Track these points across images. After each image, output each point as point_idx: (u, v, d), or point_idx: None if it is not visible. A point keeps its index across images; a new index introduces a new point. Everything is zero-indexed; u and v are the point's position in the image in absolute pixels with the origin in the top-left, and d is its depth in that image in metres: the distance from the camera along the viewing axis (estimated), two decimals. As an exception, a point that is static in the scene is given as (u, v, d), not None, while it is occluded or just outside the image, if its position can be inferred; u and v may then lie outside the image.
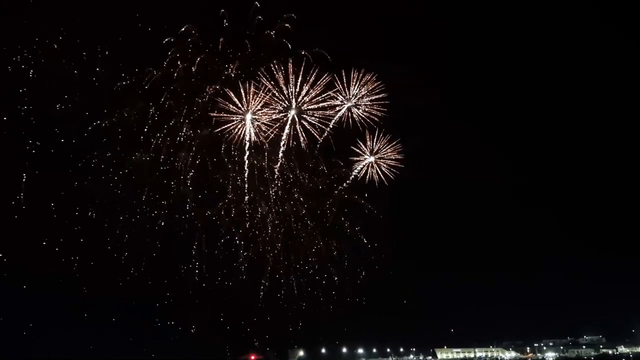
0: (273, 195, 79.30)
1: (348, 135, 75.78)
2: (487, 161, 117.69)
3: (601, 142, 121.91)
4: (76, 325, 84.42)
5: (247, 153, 72.28)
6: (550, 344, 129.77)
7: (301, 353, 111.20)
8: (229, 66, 71.03)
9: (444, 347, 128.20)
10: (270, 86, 68.50)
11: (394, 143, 77.27)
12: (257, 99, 69.14)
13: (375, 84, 72.64)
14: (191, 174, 75.20)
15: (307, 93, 70.24)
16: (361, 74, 72.07)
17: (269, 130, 72.20)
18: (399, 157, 77.58)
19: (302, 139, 73.27)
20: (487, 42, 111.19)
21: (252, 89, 68.31)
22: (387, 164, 78.22)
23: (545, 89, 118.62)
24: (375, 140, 76.80)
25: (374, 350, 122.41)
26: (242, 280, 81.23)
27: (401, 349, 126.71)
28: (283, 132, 72.54)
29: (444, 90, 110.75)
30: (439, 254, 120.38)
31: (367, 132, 75.44)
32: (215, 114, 69.60)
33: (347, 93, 72.18)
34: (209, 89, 71.03)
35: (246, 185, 75.68)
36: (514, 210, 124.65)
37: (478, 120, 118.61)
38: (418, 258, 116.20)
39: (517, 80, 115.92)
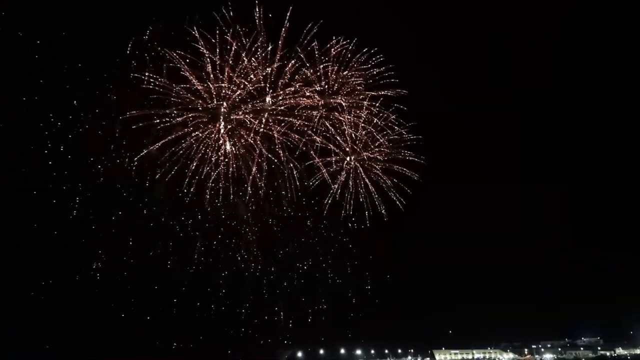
0: (251, 205, 77.91)
1: (330, 136, 74.66)
2: (485, 161, 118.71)
3: (600, 141, 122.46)
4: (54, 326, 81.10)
5: (221, 156, 71.33)
6: (548, 345, 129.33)
7: (299, 354, 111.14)
8: (201, 63, 69.87)
9: (441, 349, 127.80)
10: (239, 82, 67.67)
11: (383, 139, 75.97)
12: (230, 94, 68.50)
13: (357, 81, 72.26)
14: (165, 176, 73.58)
15: (281, 92, 69.50)
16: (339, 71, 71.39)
17: (240, 130, 71.48)
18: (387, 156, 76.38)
19: (276, 141, 72.27)
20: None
21: (225, 84, 67.63)
22: (373, 166, 76.90)
23: (549, 86, 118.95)
24: (357, 139, 75.49)
25: (372, 352, 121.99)
26: (224, 286, 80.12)
27: (399, 350, 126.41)
28: (258, 134, 71.75)
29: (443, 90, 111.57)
30: (437, 255, 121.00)
31: (348, 131, 74.10)
32: (187, 112, 68.67)
33: (328, 90, 71.63)
34: (179, 87, 69.62)
35: (221, 191, 74.21)
36: (512, 211, 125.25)
37: (476, 118, 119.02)
38: (416, 259, 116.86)
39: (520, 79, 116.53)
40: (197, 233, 78.21)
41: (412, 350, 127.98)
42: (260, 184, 75.45)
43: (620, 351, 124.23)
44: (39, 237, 72.10)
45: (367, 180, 76.80)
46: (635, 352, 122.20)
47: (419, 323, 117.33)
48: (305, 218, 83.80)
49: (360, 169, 76.83)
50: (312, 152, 75.40)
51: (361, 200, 78.63)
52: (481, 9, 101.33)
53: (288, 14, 67.88)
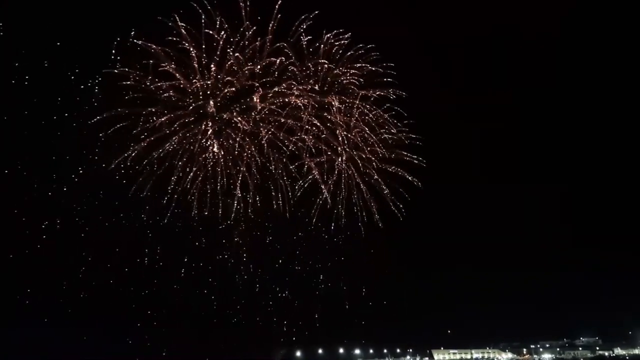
0: (240, 206, 76.53)
1: (320, 135, 73.20)
2: (485, 161, 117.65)
3: (600, 141, 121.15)
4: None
5: (209, 156, 70.08)
6: (547, 345, 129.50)
7: (298, 353, 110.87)
8: (188, 61, 68.52)
9: (440, 349, 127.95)
10: (226, 81, 66.18)
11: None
12: (217, 93, 67.18)
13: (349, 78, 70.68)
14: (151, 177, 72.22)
15: (270, 90, 68.05)
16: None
17: (228, 129, 70.23)
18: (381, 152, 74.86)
19: (263, 141, 70.83)
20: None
21: (212, 82, 66.40)
22: (367, 167, 75.44)
23: (549, 86, 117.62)
24: (351, 139, 73.84)
25: (371, 351, 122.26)
26: (216, 289, 79.16)
27: (398, 350, 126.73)
28: (246, 134, 70.51)
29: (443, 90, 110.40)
30: (437, 255, 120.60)
31: (339, 130, 72.68)
32: (174, 111, 67.37)
33: (322, 88, 70.29)
34: (166, 83, 68.33)
35: (209, 193, 72.90)
36: (512, 211, 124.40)
37: (476, 118, 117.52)
38: (416, 259, 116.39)
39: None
40: (187, 235, 77.59)
41: (410, 350, 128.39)
42: (250, 186, 74.69)
43: (618, 351, 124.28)
44: (29, 239, 71.57)
45: (359, 180, 75.74)
46: (634, 352, 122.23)
47: (418, 323, 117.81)
48: (298, 219, 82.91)
49: (353, 169, 75.71)
50: (304, 152, 74.35)
51: (354, 201, 77.61)
52: (481, 9, 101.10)
53: (276, 6, 66.46)
